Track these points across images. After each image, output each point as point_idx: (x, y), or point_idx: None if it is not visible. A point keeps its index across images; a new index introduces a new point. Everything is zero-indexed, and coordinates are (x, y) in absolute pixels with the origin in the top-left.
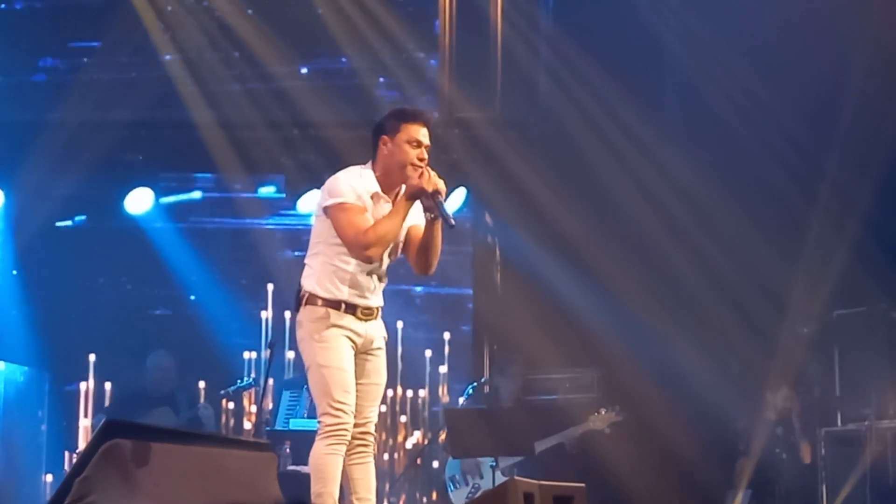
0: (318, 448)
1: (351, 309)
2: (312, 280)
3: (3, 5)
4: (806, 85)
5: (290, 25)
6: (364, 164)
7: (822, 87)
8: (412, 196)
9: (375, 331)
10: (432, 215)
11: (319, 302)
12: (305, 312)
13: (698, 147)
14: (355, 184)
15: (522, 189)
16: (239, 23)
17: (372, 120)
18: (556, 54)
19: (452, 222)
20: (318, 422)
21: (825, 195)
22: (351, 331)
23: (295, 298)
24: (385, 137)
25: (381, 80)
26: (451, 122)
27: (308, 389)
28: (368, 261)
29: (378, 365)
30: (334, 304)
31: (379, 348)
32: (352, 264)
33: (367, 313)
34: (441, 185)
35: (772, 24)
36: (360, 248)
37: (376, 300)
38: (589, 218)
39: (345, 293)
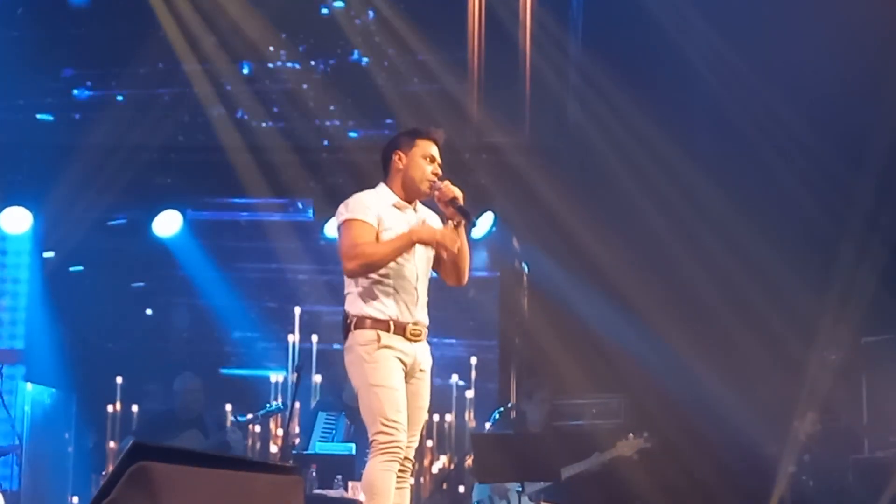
0: (373, 465)
1: (400, 329)
2: (357, 303)
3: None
4: (836, 112)
5: (319, 48)
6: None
7: (853, 113)
8: (419, 241)
9: (422, 354)
10: (455, 222)
11: (368, 323)
12: (355, 336)
13: (727, 173)
14: (370, 202)
15: (550, 214)
16: (269, 47)
17: None
18: (585, 79)
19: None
20: (371, 441)
21: (853, 222)
22: (400, 352)
23: (342, 325)
24: (399, 153)
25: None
26: (479, 146)
27: (346, 416)
28: (350, 274)
29: (421, 388)
30: (383, 325)
31: (423, 371)
32: (390, 276)
33: (415, 333)
34: (458, 191)
35: (803, 50)
36: (345, 258)
37: (422, 315)
38: (617, 243)
39: (391, 307)
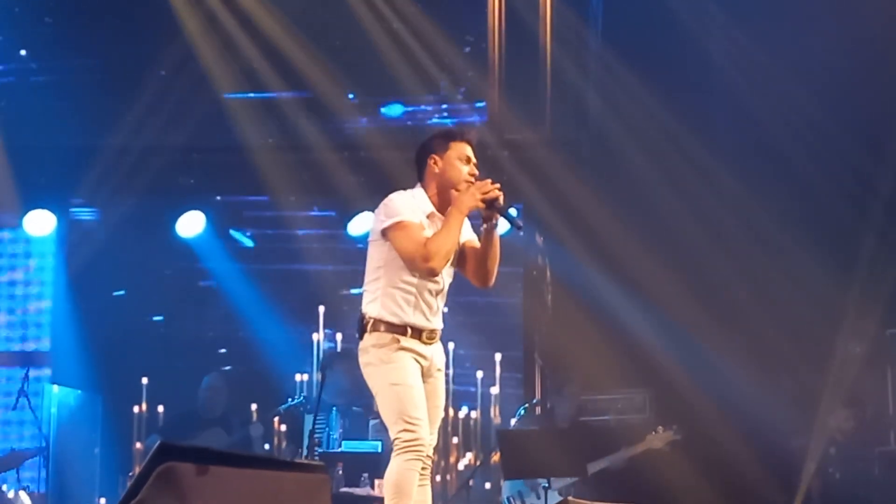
0: (396, 464)
1: (417, 333)
2: (376, 305)
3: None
4: (858, 102)
5: (341, 50)
6: (411, 188)
7: (875, 104)
8: (467, 210)
9: (437, 354)
10: (490, 224)
11: (383, 327)
12: (371, 338)
13: (749, 165)
14: (410, 204)
15: (573, 209)
16: (291, 49)
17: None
18: (606, 73)
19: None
20: (394, 440)
21: (878, 213)
22: (417, 353)
23: (358, 326)
24: (434, 156)
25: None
26: (501, 142)
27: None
28: (432, 274)
29: (438, 388)
30: (400, 329)
31: (439, 370)
32: (415, 284)
33: (430, 337)
34: (498, 192)
35: (822, 39)
36: (421, 261)
37: (438, 322)
38: (640, 237)
39: (410, 315)
